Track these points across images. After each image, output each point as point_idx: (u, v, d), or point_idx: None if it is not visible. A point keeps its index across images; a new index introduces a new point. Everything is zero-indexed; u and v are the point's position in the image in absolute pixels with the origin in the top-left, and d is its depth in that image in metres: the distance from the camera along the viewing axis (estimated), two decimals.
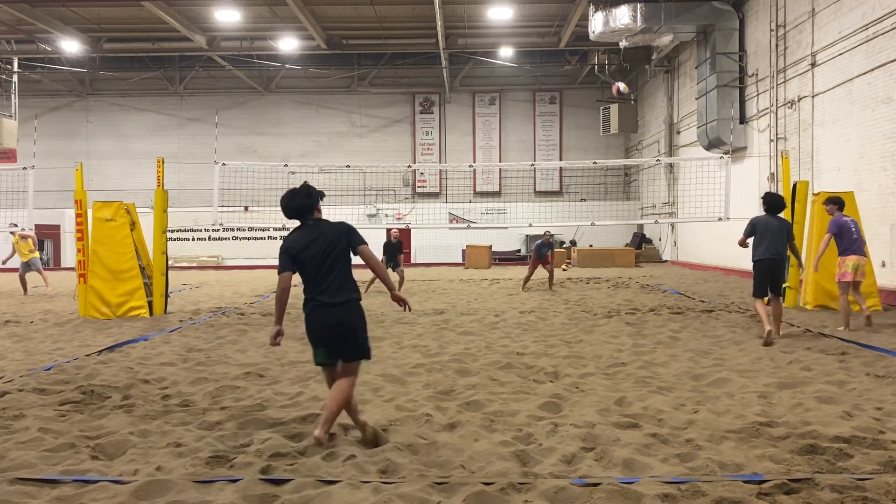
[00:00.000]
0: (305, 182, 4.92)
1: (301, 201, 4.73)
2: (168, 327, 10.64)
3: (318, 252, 4.65)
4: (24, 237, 16.35)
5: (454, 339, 9.22)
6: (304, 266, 4.67)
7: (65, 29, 24.81)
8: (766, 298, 9.07)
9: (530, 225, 19.47)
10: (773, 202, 9.04)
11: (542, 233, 16.83)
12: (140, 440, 4.80)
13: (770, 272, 8.91)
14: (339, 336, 4.64)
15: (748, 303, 12.79)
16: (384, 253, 16.57)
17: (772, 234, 8.86)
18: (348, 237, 4.73)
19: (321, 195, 4.84)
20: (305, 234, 4.73)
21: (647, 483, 3.90)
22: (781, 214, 9.17)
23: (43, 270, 16.71)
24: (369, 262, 4.75)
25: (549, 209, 28.44)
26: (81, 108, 32.59)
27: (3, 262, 17.24)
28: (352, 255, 4.75)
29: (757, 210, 19.54)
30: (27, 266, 16.40)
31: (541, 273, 17.33)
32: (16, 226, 16.79)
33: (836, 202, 9.96)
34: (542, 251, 16.21)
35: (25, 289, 16.53)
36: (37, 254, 16.63)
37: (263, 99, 32.50)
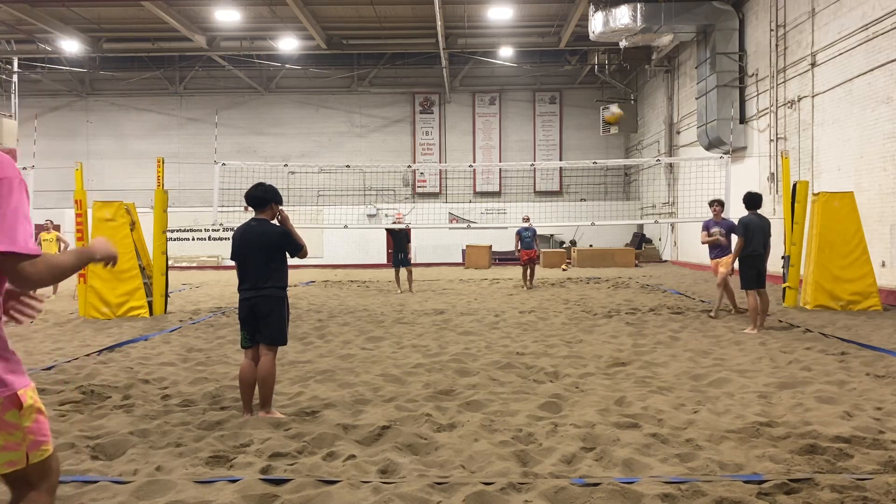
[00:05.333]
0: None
1: (258, 192, 5.46)
2: (168, 327, 10.64)
3: (250, 248, 5.39)
4: (59, 239, 16.17)
5: (454, 339, 9.22)
6: (235, 258, 5.49)
7: (65, 29, 24.81)
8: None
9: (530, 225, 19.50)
10: (755, 199, 9.68)
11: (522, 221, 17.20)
12: (140, 440, 4.80)
13: (757, 266, 9.58)
14: (255, 322, 5.39)
15: (748, 303, 12.79)
16: (391, 244, 16.50)
17: (758, 232, 9.55)
18: (279, 243, 5.41)
19: (276, 198, 5.50)
20: (245, 229, 5.49)
21: (647, 483, 3.90)
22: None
23: None
24: (305, 254, 5.51)
25: (549, 209, 28.45)
26: (81, 108, 32.58)
27: None
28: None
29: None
30: None
31: (539, 273, 17.41)
32: (51, 222, 16.60)
33: (721, 203, 11.26)
34: (525, 236, 16.52)
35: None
36: None
37: (263, 99, 32.49)
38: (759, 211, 9.67)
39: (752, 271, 9.54)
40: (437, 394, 6.11)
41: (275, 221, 5.54)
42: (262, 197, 5.46)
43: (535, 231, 16.91)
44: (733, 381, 6.41)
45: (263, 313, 5.38)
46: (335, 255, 30.43)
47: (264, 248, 5.38)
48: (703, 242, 11.53)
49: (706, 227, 11.36)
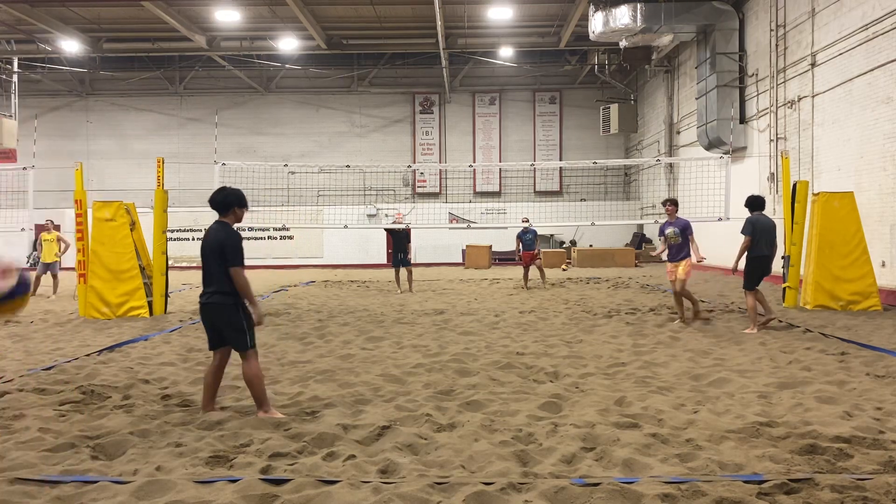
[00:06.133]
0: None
1: (219, 197, 5.48)
2: (168, 327, 10.63)
3: (204, 251, 5.40)
4: (60, 239, 16.15)
5: (454, 339, 9.22)
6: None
7: (65, 29, 24.81)
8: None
9: (530, 224, 19.53)
10: (760, 200, 9.79)
11: (522, 221, 17.17)
12: (140, 440, 4.80)
13: (762, 268, 9.57)
14: (213, 328, 5.45)
15: (748, 303, 12.79)
16: (391, 244, 16.50)
17: (765, 232, 9.52)
18: (222, 249, 5.33)
19: (239, 202, 5.49)
20: (207, 232, 5.50)
21: (647, 483, 3.90)
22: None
23: (58, 276, 16.33)
24: (236, 282, 5.33)
25: (549, 209, 28.45)
26: (81, 108, 32.57)
27: (30, 262, 16.93)
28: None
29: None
30: (47, 267, 16.12)
31: (537, 273, 17.42)
32: (52, 222, 16.58)
33: (674, 203, 10.54)
34: (526, 239, 16.49)
35: (35, 289, 16.20)
36: (59, 258, 16.39)
37: (263, 99, 32.49)
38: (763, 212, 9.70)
39: (758, 272, 9.52)
40: (437, 394, 6.11)
41: (237, 226, 5.54)
42: (223, 201, 5.46)
43: (535, 232, 16.90)
44: (733, 381, 6.41)
45: (216, 321, 5.43)
46: (335, 255, 30.43)
47: (214, 252, 5.37)
48: (658, 253, 11.01)
49: (661, 231, 10.58)
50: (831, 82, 14.98)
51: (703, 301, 13.40)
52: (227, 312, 5.39)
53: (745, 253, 9.60)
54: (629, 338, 9.09)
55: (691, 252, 10.26)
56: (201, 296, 5.49)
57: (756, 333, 9.22)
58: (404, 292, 16.28)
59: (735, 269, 9.90)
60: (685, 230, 10.24)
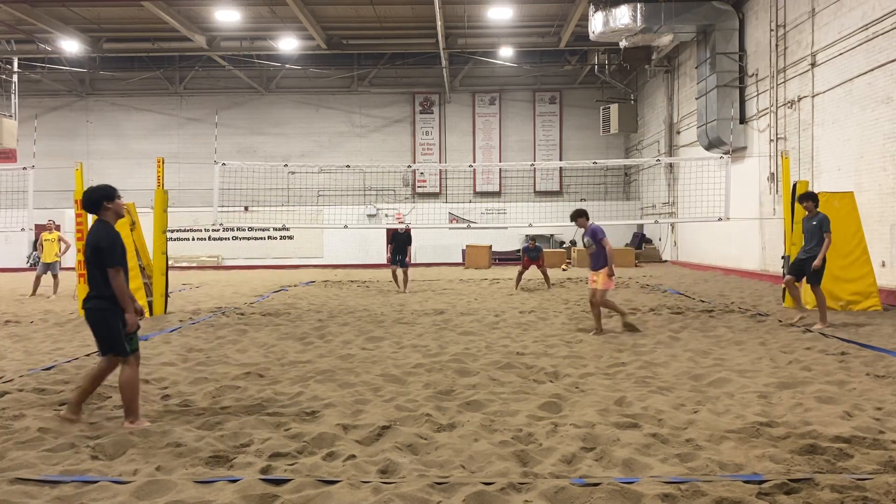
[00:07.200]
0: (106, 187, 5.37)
1: (84, 197, 5.30)
2: (168, 327, 10.63)
3: (84, 254, 5.27)
4: (61, 239, 16.16)
5: (454, 339, 9.22)
6: None
7: (65, 29, 24.81)
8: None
9: (530, 225, 19.48)
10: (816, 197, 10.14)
11: (528, 238, 17.28)
12: (140, 440, 4.80)
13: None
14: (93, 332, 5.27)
15: (748, 303, 12.83)
16: (391, 242, 16.56)
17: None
18: (97, 250, 5.11)
19: (106, 197, 5.24)
20: (87, 234, 5.41)
21: (647, 483, 3.90)
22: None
23: (58, 276, 16.30)
24: (112, 283, 5.09)
25: (549, 209, 28.43)
26: (81, 108, 32.57)
27: (30, 261, 16.96)
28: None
29: (756, 210, 19.62)
30: (47, 267, 16.12)
31: (537, 273, 17.44)
32: (53, 222, 16.58)
33: (584, 214, 9.83)
34: (531, 255, 16.62)
35: (35, 289, 16.24)
36: (59, 258, 16.40)
37: (263, 99, 32.49)
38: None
39: (824, 267, 9.86)
40: (437, 394, 6.11)
41: (58, 223, 5.49)
42: (89, 199, 5.26)
43: (541, 248, 17.14)
44: (733, 381, 6.41)
45: (94, 327, 5.23)
46: (335, 255, 30.44)
47: (90, 254, 5.15)
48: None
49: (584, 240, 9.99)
50: (831, 82, 14.98)
51: (703, 301, 13.39)
52: (104, 317, 5.16)
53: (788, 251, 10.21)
54: (629, 338, 9.09)
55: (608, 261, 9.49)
56: (83, 301, 5.29)
57: (824, 328, 9.40)
58: (400, 292, 16.31)
59: (822, 265, 9.96)
60: (595, 236, 9.60)
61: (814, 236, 9.92)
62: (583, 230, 9.85)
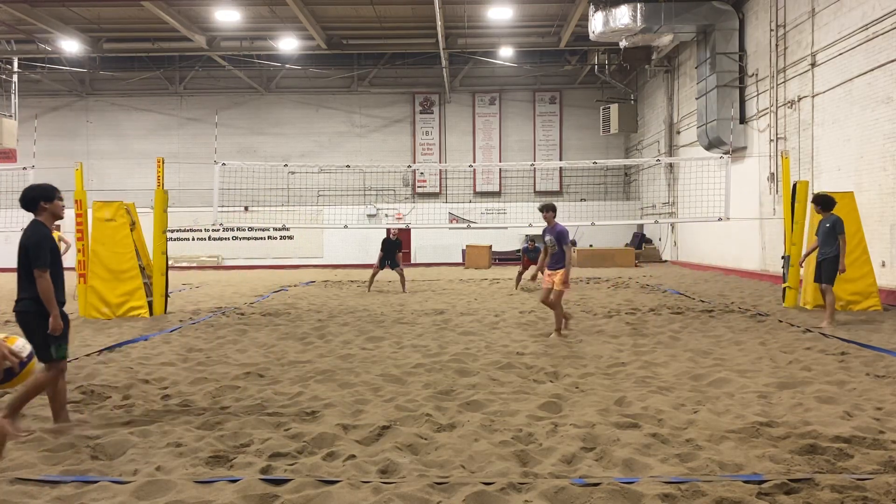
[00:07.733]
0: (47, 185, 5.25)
1: (22, 195, 5.16)
2: (168, 327, 10.63)
3: (17, 254, 5.05)
4: (61, 239, 16.13)
5: (454, 339, 9.22)
6: None
7: (65, 29, 24.81)
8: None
9: (530, 225, 19.44)
10: (832, 200, 10.28)
11: (528, 239, 17.33)
12: (140, 440, 4.80)
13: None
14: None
15: (748, 303, 12.83)
16: (382, 250, 16.63)
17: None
18: (25, 250, 4.98)
19: (44, 196, 5.14)
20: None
21: (647, 483, 3.90)
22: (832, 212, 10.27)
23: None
24: (37, 285, 4.95)
25: None
26: (81, 108, 32.57)
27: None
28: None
29: (756, 210, 19.60)
30: None
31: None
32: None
33: (552, 209, 9.41)
34: (531, 255, 16.71)
35: None
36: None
37: (263, 99, 32.49)
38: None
39: (837, 268, 9.95)
40: (437, 394, 6.11)
41: (58, 223, 5.24)
42: (25, 197, 5.14)
43: (540, 249, 17.11)
44: (733, 381, 6.41)
45: (23, 330, 5.02)
46: (335, 255, 30.43)
47: (21, 254, 4.99)
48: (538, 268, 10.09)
49: (542, 238, 9.62)
50: (831, 82, 14.98)
51: (703, 301, 13.39)
52: (27, 320, 5.02)
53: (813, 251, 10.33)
54: (629, 338, 9.09)
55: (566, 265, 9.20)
56: (14, 303, 5.12)
57: (826, 328, 9.41)
58: (397, 293, 16.36)
59: (843, 269, 10.09)
60: (560, 238, 9.23)
61: (828, 238, 9.98)
62: (547, 226, 9.37)
